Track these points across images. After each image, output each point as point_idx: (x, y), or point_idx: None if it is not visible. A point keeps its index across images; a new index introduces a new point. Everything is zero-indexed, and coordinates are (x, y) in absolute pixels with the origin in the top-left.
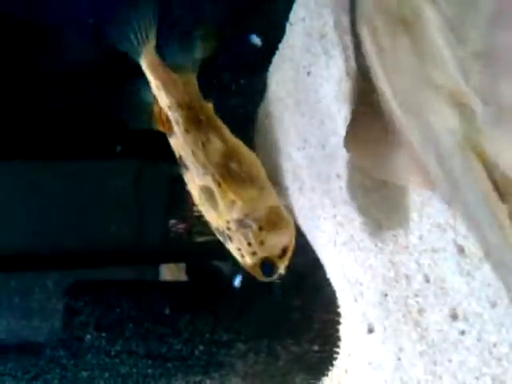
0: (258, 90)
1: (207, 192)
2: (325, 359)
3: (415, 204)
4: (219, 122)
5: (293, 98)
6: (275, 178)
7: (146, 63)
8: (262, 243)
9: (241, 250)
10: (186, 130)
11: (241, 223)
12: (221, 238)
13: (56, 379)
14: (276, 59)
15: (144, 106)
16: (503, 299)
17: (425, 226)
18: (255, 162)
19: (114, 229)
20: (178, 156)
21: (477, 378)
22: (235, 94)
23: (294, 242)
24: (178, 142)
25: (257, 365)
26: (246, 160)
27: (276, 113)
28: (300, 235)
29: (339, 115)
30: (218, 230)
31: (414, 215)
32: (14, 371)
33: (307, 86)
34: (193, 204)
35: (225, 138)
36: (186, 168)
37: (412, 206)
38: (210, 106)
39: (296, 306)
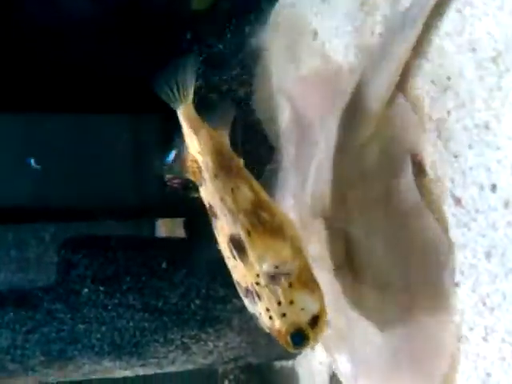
0: None
1: (236, 242)
2: None
3: None
4: (249, 175)
5: None
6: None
7: (183, 113)
8: (291, 303)
9: (269, 311)
10: (215, 175)
11: (270, 277)
12: (248, 302)
13: (53, 332)
14: None
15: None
16: (498, 250)
17: None
18: (287, 219)
19: (110, 183)
20: (207, 205)
21: (470, 329)
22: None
23: (326, 313)
24: (207, 189)
25: (252, 320)
26: (277, 214)
27: None
28: None
29: None
30: (245, 290)
31: None
32: (12, 324)
33: None
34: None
35: (255, 188)
36: (215, 216)
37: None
38: (240, 159)
39: None
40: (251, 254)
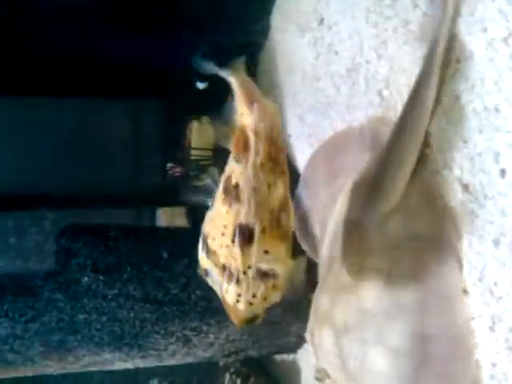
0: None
1: (246, 232)
2: None
3: None
4: (287, 170)
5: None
6: None
7: (237, 81)
8: (265, 299)
9: (240, 296)
10: (262, 164)
11: (261, 275)
12: (216, 273)
13: (53, 322)
14: None
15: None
16: (506, 237)
17: None
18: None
19: (110, 171)
20: (231, 183)
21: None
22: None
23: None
24: (245, 171)
25: None
26: (291, 218)
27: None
28: None
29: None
30: (222, 265)
31: None
32: (11, 313)
33: None
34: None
35: (286, 185)
36: (238, 200)
37: None
38: (285, 150)
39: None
40: (256, 249)
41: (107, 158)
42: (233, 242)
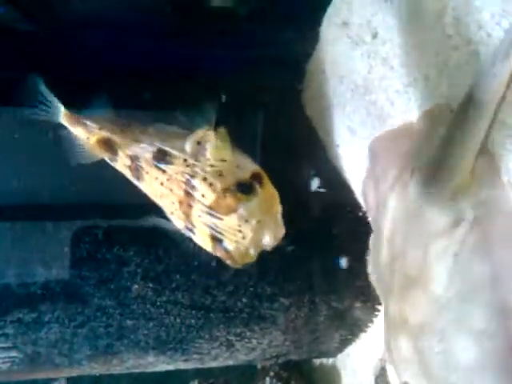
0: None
1: (161, 155)
2: (365, 316)
3: None
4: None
5: None
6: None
7: (66, 120)
8: (223, 160)
9: (207, 180)
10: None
11: (198, 147)
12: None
13: (101, 327)
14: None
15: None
16: None
17: None
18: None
19: None
20: (129, 164)
21: None
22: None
23: (265, 174)
24: (120, 162)
25: (297, 319)
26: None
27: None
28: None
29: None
30: (185, 194)
31: None
32: (62, 318)
33: None
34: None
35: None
36: (140, 176)
37: None
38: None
39: (340, 263)
40: (172, 151)
41: None
42: (164, 172)
